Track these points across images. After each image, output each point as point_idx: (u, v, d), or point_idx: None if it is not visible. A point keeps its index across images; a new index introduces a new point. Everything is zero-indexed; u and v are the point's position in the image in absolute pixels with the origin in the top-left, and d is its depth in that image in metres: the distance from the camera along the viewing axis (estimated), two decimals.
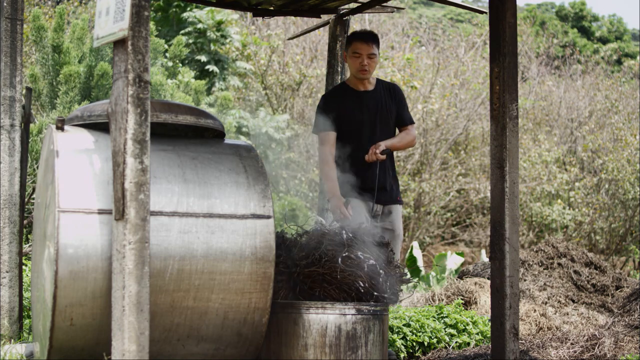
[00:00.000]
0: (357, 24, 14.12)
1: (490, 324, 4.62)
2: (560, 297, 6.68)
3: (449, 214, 14.27)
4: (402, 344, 5.15)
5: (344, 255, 4.00)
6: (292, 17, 13.32)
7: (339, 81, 5.87)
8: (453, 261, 10.08)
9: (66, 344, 3.44)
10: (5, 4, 4.50)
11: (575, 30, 31.09)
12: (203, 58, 13.11)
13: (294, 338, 3.83)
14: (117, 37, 3.19)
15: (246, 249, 3.64)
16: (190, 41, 13.10)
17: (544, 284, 6.87)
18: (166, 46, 10.07)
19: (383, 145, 4.87)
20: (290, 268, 4.03)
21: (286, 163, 13.55)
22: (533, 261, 7.29)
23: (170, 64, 10.52)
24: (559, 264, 7.24)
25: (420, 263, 9.89)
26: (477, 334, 5.52)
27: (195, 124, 3.86)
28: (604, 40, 31.29)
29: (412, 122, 5.12)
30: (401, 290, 4.20)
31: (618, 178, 13.56)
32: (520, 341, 4.87)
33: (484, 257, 11.21)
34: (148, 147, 3.17)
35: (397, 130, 5.18)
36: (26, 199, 6.30)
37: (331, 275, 3.95)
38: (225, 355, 3.77)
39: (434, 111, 13.44)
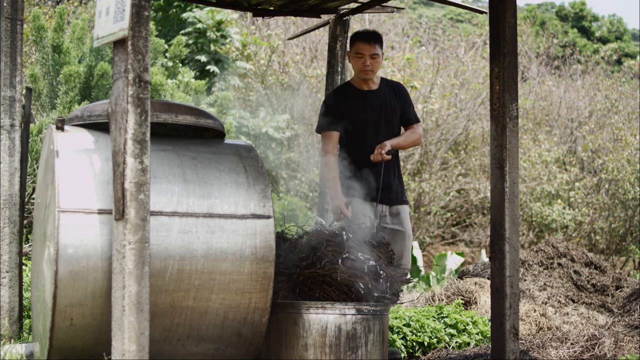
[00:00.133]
0: (357, 24, 14.12)
1: (490, 324, 4.62)
2: (560, 297, 6.68)
3: (449, 214, 14.27)
4: (402, 344, 5.15)
5: (344, 256, 4.00)
6: (292, 17, 13.33)
7: (339, 81, 5.87)
8: (453, 261, 10.09)
9: (66, 344, 3.44)
10: (5, 4, 4.50)
11: (575, 30, 31.09)
12: (203, 58, 13.11)
13: (294, 338, 3.83)
14: (117, 37, 3.19)
15: (246, 249, 3.64)
16: (190, 41, 13.10)
17: (544, 284, 6.87)
18: (166, 46, 10.07)
19: (389, 145, 4.84)
20: (290, 269, 4.03)
21: (286, 163, 13.55)
22: (533, 261, 7.29)
23: (170, 64, 10.52)
24: (559, 264, 7.24)
25: (420, 263, 9.89)
26: (477, 334, 5.52)
27: (195, 124, 3.86)
28: (604, 40, 31.29)
29: (417, 121, 5.09)
30: (401, 290, 4.20)
31: (618, 178, 13.56)
32: (520, 341, 4.87)
33: (484, 257, 11.21)
34: (148, 147, 3.17)
35: (401, 130, 5.15)
36: (26, 199, 6.30)
37: (331, 276, 3.95)
38: (225, 355, 3.77)
39: (434, 111, 13.45)
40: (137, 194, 3.13)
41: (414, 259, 8.93)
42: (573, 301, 6.73)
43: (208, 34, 13.19)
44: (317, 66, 13.94)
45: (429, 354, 5.13)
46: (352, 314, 3.84)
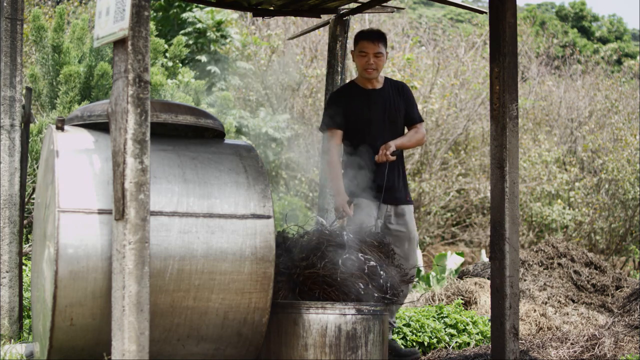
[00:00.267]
0: (357, 24, 14.12)
1: (490, 324, 4.62)
2: (560, 297, 6.68)
3: (449, 214, 14.27)
4: (402, 344, 5.15)
5: (344, 256, 4.00)
6: (292, 17, 13.33)
7: (339, 81, 5.87)
8: (453, 261, 10.08)
9: (66, 344, 3.44)
10: (5, 4, 4.50)
11: (575, 30, 31.09)
12: (203, 58, 13.12)
13: (294, 338, 3.83)
14: (117, 37, 3.20)
15: (246, 249, 3.64)
16: (191, 41, 13.10)
17: (544, 284, 6.87)
18: (166, 46, 10.07)
19: (393, 146, 4.84)
20: (290, 269, 4.03)
21: (286, 163, 13.55)
22: (533, 261, 7.29)
23: (170, 64, 10.52)
24: (559, 264, 7.24)
25: (420, 263, 9.88)
26: (477, 334, 5.52)
27: (195, 124, 3.86)
28: (604, 40, 31.29)
29: (421, 120, 5.08)
30: (402, 290, 4.20)
31: (618, 178, 13.56)
32: (520, 341, 4.87)
33: (484, 257, 11.20)
34: (148, 147, 3.17)
35: (405, 129, 5.15)
36: (26, 199, 6.30)
37: (331, 276, 3.95)
38: (225, 355, 3.77)
39: (434, 111, 13.45)
40: (137, 194, 3.13)
41: None
42: (573, 301, 6.73)
43: (208, 34, 13.20)
44: (317, 66, 13.94)
45: (429, 354, 5.13)
46: (352, 314, 3.84)
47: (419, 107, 13.08)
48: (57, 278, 3.34)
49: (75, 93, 7.54)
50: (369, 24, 14.60)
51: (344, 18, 5.90)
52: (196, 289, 3.57)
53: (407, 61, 13.84)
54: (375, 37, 4.93)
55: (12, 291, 4.50)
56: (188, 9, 13.29)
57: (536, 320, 6.08)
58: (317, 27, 6.22)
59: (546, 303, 6.54)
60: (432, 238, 14.02)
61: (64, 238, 3.36)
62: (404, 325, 5.29)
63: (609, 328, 5.18)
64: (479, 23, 19.48)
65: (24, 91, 4.78)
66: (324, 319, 3.81)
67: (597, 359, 4.62)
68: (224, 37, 13.37)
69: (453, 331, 5.44)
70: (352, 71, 13.45)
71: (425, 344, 5.23)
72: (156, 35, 11.75)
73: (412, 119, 5.06)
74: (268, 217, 3.72)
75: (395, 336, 5.14)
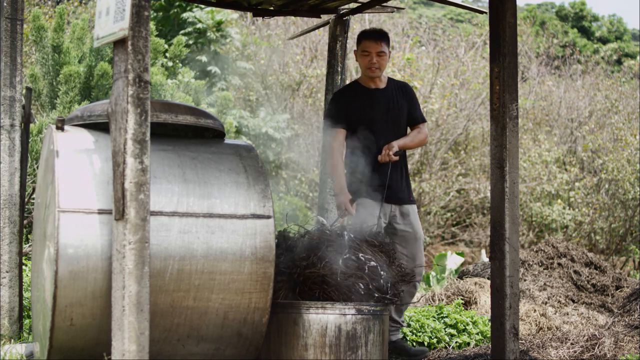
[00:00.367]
0: (357, 24, 14.12)
1: (490, 324, 4.62)
2: (560, 297, 6.68)
3: (449, 214, 14.27)
4: None
5: (345, 257, 4.00)
6: (292, 17, 13.33)
7: (339, 81, 5.87)
8: (453, 261, 10.08)
9: (66, 344, 3.44)
10: (5, 4, 4.50)
11: (575, 30, 31.08)
12: (203, 58, 13.12)
13: (294, 338, 3.83)
14: (117, 37, 3.20)
15: (246, 249, 3.64)
16: (191, 41, 13.10)
17: (544, 284, 6.87)
18: (166, 46, 10.07)
19: (396, 146, 4.84)
20: (290, 269, 4.03)
21: (286, 163, 13.55)
22: (533, 261, 7.29)
23: (170, 64, 10.52)
24: (559, 264, 7.24)
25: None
26: (477, 334, 5.52)
27: (195, 124, 3.86)
28: (604, 40, 31.28)
29: (423, 121, 5.10)
30: (402, 290, 4.20)
31: (618, 178, 13.56)
32: (520, 341, 4.87)
33: (484, 257, 11.20)
34: (148, 147, 3.17)
35: (408, 129, 5.16)
36: (26, 199, 6.30)
37: (331, 277, 3.95)
38: (225, 355, 3.77)
39: (434, 111, 13.45)
40: (137, 194, 3.13)
41: None
42: (573, 301, 6.73)
43: (208, 34, 13.20)
44: (317, 66, 13.94)
45: (429, 354, 5.13)
46: (352, 314, 3.84)
47: None
48: (57, 278, 3.34)
49: (75, 93, 7.54)
50: (369, 24, 14.59)
51: (344, 18, 5.90)
52: (196, 289, 3.57)
53: (407, 61, 13.84)
54: (378, 36, 4.94)
55: (12, 291, 4.50)
56: (188, 8, 13.29)
57: (536, 320, 6.08)
58: (317, 27, 6.22)
59: (546, 303, 6.54)
60: (432, 238, 14.02)
61: (64, 238, 3.36)
62: None
63: (609, 328, 5.18)
64: (479, 23, 19.48)
65: (24, 91, 4.78)
66: (324, 319, 3.81)
67: (597, 359, 4.62)
68: (224, 37, 13.38)
69: (453, 331, 5.44)
70: (352, 71, 13.45)
71: (425, 344, 5.23)
72: (156, 35, 11.75)
73: (415, 119, 5.07)
74: (268, 217, 3.72)
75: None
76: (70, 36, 8.17)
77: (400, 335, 4.99)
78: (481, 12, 5.95)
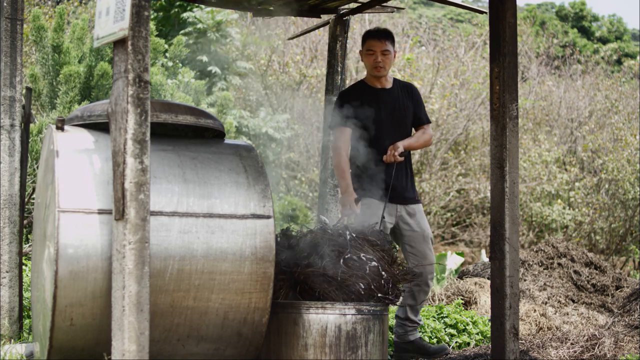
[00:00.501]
0: (357, 24, 14.12)
1: (490, 324, 4.62)
2: (560, 297, 6.68)
3: (449, 214, 14.27)
4: None
5: (346, 256, 4.00)
6: (292, 17, 13.33)
7: (339, 81, 5.87)
8: (453, 261, 10.07)
9: (66, 344, 3.44)
10: (5, 4, 4.50)
11: (575, 30, 31.08)
12: (204, 58, 13.12)
13: (294, 338, 3.83)
14: (117, 37, 3.20)
15: (246, 249, 3.64)
16: (191, 41, 13.10)
17: (544, 284, 6.87)
18: (166, 46, 10.07)
19: (401, 147, 4.86)
20: (291, 267, 4.03)
21: (286, 163, 13.55)
22: (533, 261, 7.29)
23: (170, 64, 10.52)
24: (559, 264, 7.24)
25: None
26: (477, 334, 5.52)
27: (195, 124, 3.86)
28: (604, 40, 31.28)
29: (428, 122, 5.12)
30: (403, 290, 4.20)
31: (618, 178, 13.56)
32: (520, 341, 4.87)
33: (484, 257, 11.20)
34: (148, 147, 3.17)
35: (412, 130, 5.17)
36: (26, 199, 6.30)
37: (332, 276, 3.95)
38: (225, 355, 3.77)
39: (434, 111, 13.45)
40: (137, 194, 3.13)
41: None
42: (573, 301, 6.73)
43: (208, 34, 13.19)
44: (317, 66, 13.94)
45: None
46: (352, 314, 3.84)
47: None
48: (57, 278, 3.34)
49: (75, 93, 7.54)
50: (369, 24, 14.59)
51: (344, 18, 5.90)
52: (196, 289, 3.57)
53: (407, 61, 13.84)
54: (382, 35, 4.96)
55: (12, 291, 4.50)
56: (189, 8, 13.29)
57: (536, 320, 6.09)
58: (317, 27, 6.22)
59: (546, 303, 6.54)
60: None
61: (64, 238, 3.36)
62: None
63: (609, 328, 5.18)
64: (479, 23, 19.47)
65: (24, 91, 4.78)
66: (324, 319, 3.81)
67: (597, 359, 4.62)
68: (224, 37, 13.37)
69: (453, 331, 5.44)
70: (352, 71, 13.45)
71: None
72: (156, 35, 11.74)
73: (420, 119, 5.08)
74: (268, 217, 3.72)
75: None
76: (70, 36, 8.17)
77: (419, 335, 5.01)
78: (481, 12, 5.95)
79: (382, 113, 4.93)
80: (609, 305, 6.70)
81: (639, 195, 13.29)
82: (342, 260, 3.97)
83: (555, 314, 6.34)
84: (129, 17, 3.12)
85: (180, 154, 3.77)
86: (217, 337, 3.69)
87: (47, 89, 7.85)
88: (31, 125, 6.44)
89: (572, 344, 4.79)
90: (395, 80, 5.11)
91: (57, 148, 3.55)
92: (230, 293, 3.63)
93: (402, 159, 4.85)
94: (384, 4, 5.81)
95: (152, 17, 12.94)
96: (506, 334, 4.08)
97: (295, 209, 11.46)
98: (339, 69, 5.86)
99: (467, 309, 6.38)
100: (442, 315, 5.56)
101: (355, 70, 13.65)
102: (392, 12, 6.34)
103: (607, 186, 13.90)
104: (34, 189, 6.42)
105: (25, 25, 9.60)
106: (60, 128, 3.68)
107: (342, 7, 5.86)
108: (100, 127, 3.80)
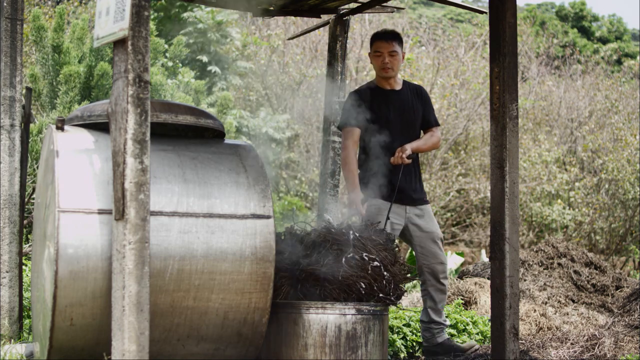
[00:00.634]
0: (357, 24, 14.12)
1: (490, 324, 4.62)
2: (560, 297, 6.68)
3: (449, 214, 14.27)
4: (402, 344, 5.15)
5: (348, 255, 4.00)
6: (292, 17, 13.33)
7: (339, 81, 5.88)
8: (453, 261, 10.08)
9: (66, 344, 3.44)
10: (5, 4, 4.50)
11: (575, 30, 31.08)
12: (203, 58, 13.12)
13: (294, 338, 3.83)
14: (117, 37, 3.20)
15: (246, 249, 3.64)
16: (191, 41, 13.11)
17: (544, 284, 6.87)
18: (166, 46, 10.07)
19: (409, 149, 4.86)
20: (293, 265, 4.03)
21: (286, 163, 13.55)
22: (533, 261, 7.29)
23: (170, 64, 10.52)
24: (559, 264, 7.24)
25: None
26: (477, 334, 5.52)
27: (195, 124, 3.86)
28: (604, 40, 31.28)
29: (437, 124, 5.12)
30: (405, 290, 4.20)
31: (618, 178, 13.56)
32: (520, 341, 4.87)
33: (484, 257, 11.20)
34: (148, 147, 3.17)
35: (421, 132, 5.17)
36: (26, 199, 6.30)
37: (333, 275, 3.95)
38: (225, 355, 3.77)
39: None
40: (137, 194, 3.13)
41: (414, 259, 8.91)
42: (573, 301, 6.73)
43: (209, 34, 13.20)
44: (317, 66, 13.93)
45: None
46: (352, 314, 3.84)
47: None
48: (57, 278, 3.34)
49: (75, 93, 7.54)
50: (369, 24, 14.60)
51: (344, 18, 5.90)
52: (196, 289, 3.57)
53: (407, 61, 13.84)
54: (389, 36, 4.97)
55: (12, 291, 4.50)
56: (189, 8, 13.30)
57: (536, 320, 6.09)
58: (317, 27, 6.21)
59: (546, 303, 6.54)
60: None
61: (64, 238, 3.36)
62: (404, 325, 5.29)
63: (609, 328, 5.18)
64: (479, 23, 19.47)
65: (24, 91, 4.78)
66: (324, 319, 3.81)
67: (597, 359, 4.62)
68: (224, 37, 13.38)
69: (453, 331, 5.44)
70: (352, 71, 13.45)
71: (421, 340, 5.22)
72: (156, 35, 11.75)
73: (429, 122, 5.08)
74: (268, 217, 3.72)
75: (395, 336, 5.14)
76: (70, 36, 8.17)
77: (447, 336, 5.00)
78: (481, 12, 5.95)
79: (391, 114, 4.94)
80: (609, 305, 6.70)
81: (639, 195, 13.29)
82: (344, 260, 3.97)
83: (555, 314, 6.34)
84: (129, 17, 3.12)
85: (180, 154, 3.77)
86: (217, 337, 3.69)
87: (47, 89, 7.85)
88: (31, 125, 6.44)
89: (572, 344, 4.79)
90: (404, 82, 5.13)
91: (57, 148, 3.55)
92: (230, 293, 3.63)
93: (409, 161, 4.85)
94: (384, 4, 5.80)
95: (152, 17, 12.94)
96: (506, 334, 4.08)
97: (296, 209, 11.46)
98: (339, 69, 5.85)
99: (467, 309, 6.38)
100: None
101: (355, 70, 13.65)
102: (392, 12, 6.34)
103: (607, 186, 13.91)
104: (34, 189, 6.42)
105: (25, 25, 9.60)
106: (60, 128, 3.68)
107: (342, 7, 5.85)
108: (100, 127, 3.80)
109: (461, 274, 7.80)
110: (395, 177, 4.84)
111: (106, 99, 5.95)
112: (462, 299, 6.58)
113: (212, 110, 10.80)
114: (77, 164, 3.53)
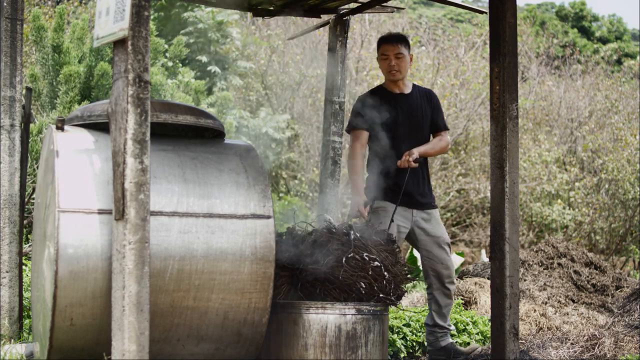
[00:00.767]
0: (357, 24, 14.11)
1: (490, 324, 4.62)
2: (560, 297, 6.68)
3: (449, 214, 14.27)
4: (402, 344, 5.15)
5: (349, 255, 4.00)
6: (292, 17, 13.33)
7: (339, 81, 5.88)
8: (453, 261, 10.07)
9: (66, 344, 3.44)
10: (5, 4, 4.50)
11: (575, 30, 31.08)
12: (203, 58, 13.12)
13: (294, 338, 3.83)
14: (117, 37, 3.20)
15: (246, 249, 3.64)
16: (191, 41, 13.11)
17: (544, 284, 6.87)
18: (166, 46, 10.07)
19: (416, 153, 4.85)
20: (294, 264, 4.03)
21: (286, 163, 13.55)
22: (533, 261, 7.29)
23: (170, 64, 10.52)
24: (559, 264, 7.24)
25: (420, 263, 9.88)
26: (477, 334, 5.52)
27: (195, 124, 3.86)
28: (604, 40, 31.28)
29: (446, 129, 5.10)
30: (405, 290, 4.20)
31: (618, 178, 13.55)
32: (520, 341, 4.87)
33: (484, 257, 11.20)
34: (148, 147, 3.17)
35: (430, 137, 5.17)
36: (26, 199, 6.30)
37: (333, 274, 3.95)
38: (225, 355, 3.77)
39: None
40: (137, 194, 3.13)
41: (414, 259, 8.92)
42: (573, 301, 6.73)
43: (209, 34, 13.20)
44: (317, 66, 13.93)
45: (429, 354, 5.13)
46: (352, 314, 3.84)
47: None
48: (57, 278, 3.34)
49: (75, 93, 7.54)
50: (369, 24, 14.60)
51: (344, 18, 5.90)
52: (196, 289, 3.57)
53: None
54: (395, 39, 4.98)
55: (12, 291, 4.50)
56: (189, 9, 13.30)
57: (536, 320, 6.09)
58: (317, 27, 6.21)
59: (546, 303, 6.54)
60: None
61: (64, 238, 3.36)
62: (404, 325, 5.29)
63: (609, 328, 5.18)
64: (479, 23, 19.47)
65: (24, 91, 4.78)
66: (324, 319, 3.81)
67: (597, 359, 4.62)
68: (224, 37, 13.38)
69: (453, 331, 5.43)
70: (352, 71, 13.45)
71: (425, 344, 5.22)
72: (156, 35, 11.75)
73: (437, 126, 5.07)
74: (268, 217, 3.72)
75: (395, 336, 5.14)
76: (70, 36, 8.17)
77: (450, 340, 4.99)
78: (481, 12, 5.95)
79: (400, 118, 4.94)
80: (609, 305, 6.70)
81: (639, 195, 13.29)
82: (344, 259, 3.97)
83: (555, 314, 6.34)
84: (129, 17, 3.12)
85: (180, 154, 3.77)
86: (217, 337, 3.69)
87: (47, 89, 7.85)
88: (31, 125, 6.44)
89: (572, 344, 4.79)
90: (414, 86, 5.12)
91: (57, 148, 3.55)
92: (230, 293, 3.63)
93: (416, 165, 4.84)
94: (384, 4, 5.80)
95: (152, 17, 12.94)
96: (506, 334, 4.08)
97: (295, 209, 11.46)
98: (339, 69, 5.86)
99: (467, 309, 6.39)
100: None
101: (355, 70, 13.65)
102: (392, 12, 6.34)
103: (607, 186, 13.90)
104: (34, 189, 6.42)
105: (25, 25, 9.60)
106: (60, 128, 3.68)
107: (342, 7, 5.85)
108: (100, 127, 3.80)
109: (461, 274, 7.80)
110: (402, 180, 4.83)
111: (106, 99, 5.95)
112: (462, 299, 6.58)
113: (212, 110, 10.80)
114: (77, 164, 3.53)
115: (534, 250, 7.55)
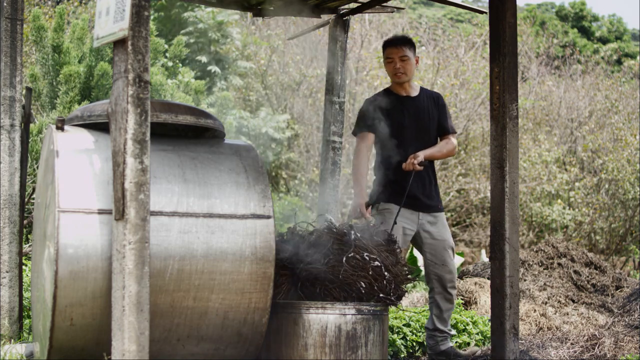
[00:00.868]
0: (357, 24, 14.11)
1: (490, 324, 4.62)
2: (560, 297, 6.68)
3: (449, 214, 14.27)
4: (402, 344, 5.15)
5: (349, 255, 4.00)
6: (292, 17, 13.33)
7: (339, 81, 5.88)
8: None
9: (66, 344, 3.44)
10: (5, 4, 4.50)
11: (575, 30, 31.08)
12: (203, 58, 13.12)
13: (294, 338, 3.83)
14: (117, 37, 3.20)
15: (246, 249, 3.65)
16: (191, 41, 13.10)
17: (544, 284, 6.87)
18: (166, 46, 10.07)
19: (422, 156, 4.83)
20: (294, 264, 4.03)
21: (286, 163, 13.55)
22: (533, 261, 7.29)
23: (170, 64, 10.52)
24: (559, 264, 7.24)
25: (420, 263, 9.88)
26: (477, 334, 5.52)
27: (195, 124, 3.86)
28: (604, 40, 31.27)
29: (453, 132, 5.08)
30: (405, 291, 4.20)
31: (618, 178, 13.55)
32: (520, 341, 4.87)
33: (484, 257, 11.20)
34: (148, 147, 3.17)
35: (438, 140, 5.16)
36: (26, 199, 6.30)
37: (333, 274, 3.95)
38: (225, 355, 3.77)
39: None
40: (137, 194, 3.13)
41: (414, 259, 8.92)
42: (573, 301, 6.73)
43: (209, 34, 13.19)
44: (317, 66, 13.93)
45: (429, 355, 5.13)
46: (352, 314, 3.84)
47: None
48: (57, 278, 3.34)
49: (75, 93, 7.54)
50: (369, 24, 14.60)
51: (344, 18, 5.90)
52: (196, 289, 3.57)
53: None
54: (399, 42, 4.98)
55: (12, 291, 4.50)
56: (189, 8, 13.30)
57: (536, 320, 6.09)
58: (317, 27, 6.21)
59: (546, 303, 6.54)
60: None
61: (64, 238, 3.36)
62: (404, 325, 5.29)
63: (609, 328, 5.18)
64: (479, 23, 19.47)
65: (24, 91, 4.78)
66: (324, 319, 3.81)
67: (597, 359, 4.62)
68: (224, 37, 13.38)
69: (452, 331, 5.43)
70: (352, 71, 13.45)
71: (425, 343, 5.23)
72: (156, 35, 11.75)
73: (444, 129, 5.06)
74: (268, 217, 3.72)
75: (395, 336, 5.14)
76: (70, 36, 8.17)
77: (450, 344, 4.98)
78: (481, 12, 5.95)
79: (406, 120, 4.93)
80: (609, 305, 6.70)
81: (639, 195, 13.29)
82: (344, 259, 3.97)
83: (555, 314, 6.34)
84: (129, 17, 3.12)
85: (180, 154, 3.77)
86: (217, 337, 3.69)
87: (47, 89, 7.85)
88: (31, 125, 6.45)
89: (572, 344, 4.80)
90: (422, 89, 5.11)
91: (57, 148, 3.55)
92: (230, 293, 3.63)
93: (421, 168, 4.83)
94: (384, 4, 5.80)
95: (152, 17, 12.94)
96: (506, 334, 4.08)
97: (296, 209, 11.46)
98: (339, 69, 5.86)
99: (467, 309, 6.38)
100: None
101: (355, 70, 13.65)
102: (392, 12, 6.34)
103: (607, 186, 13.90)
104: (34, 189, 6.42)
105: (25, 25, 9.60)
106: (60, 128, 3.68)
107: (342, 7, 5.85)
108: (100, 127, 3.80)
109: (461, 274, 7.80)
110: (406, 183, 4.83)
111: (106, 99, 5.95)
112: (462, 299, 6.58)
113: (212, 110, 10.80)
114: (77, 164, 3.53)
115: (534, 250, 7.55)
